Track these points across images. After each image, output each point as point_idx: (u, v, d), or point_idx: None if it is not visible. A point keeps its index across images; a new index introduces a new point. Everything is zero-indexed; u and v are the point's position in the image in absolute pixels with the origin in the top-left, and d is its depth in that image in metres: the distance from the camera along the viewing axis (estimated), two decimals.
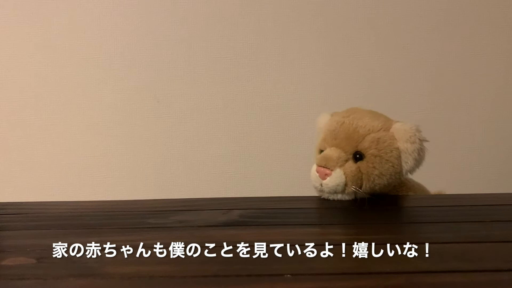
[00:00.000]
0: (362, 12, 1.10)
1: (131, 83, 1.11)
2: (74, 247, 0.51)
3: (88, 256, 0.49)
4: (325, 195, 0.66)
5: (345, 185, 0.63)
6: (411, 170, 0.66)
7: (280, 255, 0.48)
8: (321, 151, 0.67)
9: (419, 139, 0.64)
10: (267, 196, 0.73)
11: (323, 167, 0.64)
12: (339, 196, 0.65)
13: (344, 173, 0.63)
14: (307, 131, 1.12)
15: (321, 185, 0.64)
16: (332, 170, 0.63)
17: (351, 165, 0.64)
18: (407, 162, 0.64)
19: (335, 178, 0.63)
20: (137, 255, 0.49)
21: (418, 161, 0.65)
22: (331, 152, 0.65)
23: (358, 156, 0.64)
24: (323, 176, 0.64)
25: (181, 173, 1.14)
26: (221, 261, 0.47)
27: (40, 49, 1.10)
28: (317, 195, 0.68)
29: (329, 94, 1.12)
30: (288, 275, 0.44)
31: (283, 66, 1.11)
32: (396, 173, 0.65)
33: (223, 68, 1.11)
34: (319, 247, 0.50)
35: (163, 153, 1.13)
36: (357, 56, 1.11)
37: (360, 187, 0.64)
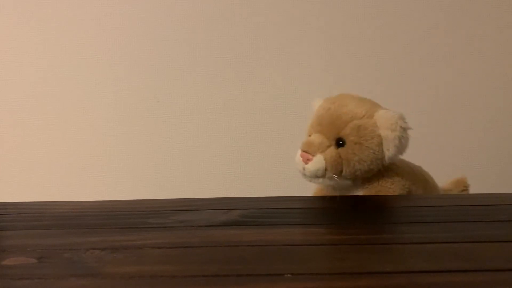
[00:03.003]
0: (362, 12, 1.10)
1: (131, 83, 1.11)
2: (75, 247, 0.51)
3: (88, 256, 0.49)
4: (307, 179, 0.69)
5: (325, 170, 0.66)
6: (393, 157, 0.67)
7: (280, 255, 0.48)
8: (310, 136, 0.70)
9: (401, 127, 0.66)
10: (267, 196, 0.73)
11: (306, 152, 0.67)
12: (320, 181, 0.68)
13: (324, 159, 0.66)
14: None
15: (304, 169, 0.67)
16: (313, 156, 0.66)
17: (332, 151, 0.66)
18: (388, 149, 0.66)
19: (315, 163, 0.66)
20: (138, 255, 0.49)
21: (400, 148, 0.66)
22: (314, 138, 0.68)
23: (340, 143, 0.67)
24: (305, 161, 0.67)
25: (181, 173, 1.14)
26: (221, 261, 0.47)
27: (40, 49, 1.10)
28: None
29: (329, 94, 1.12)
30: (288, 275, 0.44)
31: (283, 66, 1.11)
32: (378, 159, 0.66)
33: (223, 68, 1.11)
34: (319, 247, 0.50)
35: (163, 153, 1.13)
36: (357, 56, 1.11)
37: (341, 172, 0.66)
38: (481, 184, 1.13)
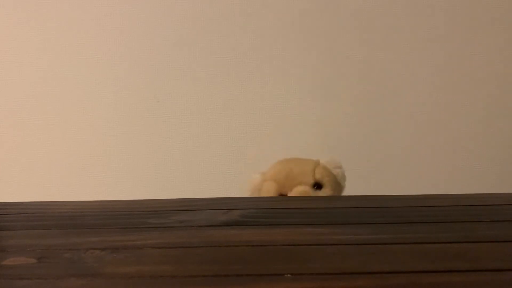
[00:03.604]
0: (362, 12, 1.10)
1: (131, 83, 1.11)
2: (75, 247, 0.51)
3: (88, 256, 0.49)
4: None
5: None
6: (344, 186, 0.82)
7: (280, 255, 0.48)
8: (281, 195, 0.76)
9: (339, 165, 0.81)
10: (267, 196, 0.73)
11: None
12: None
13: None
14: (307, 131, 1.12)
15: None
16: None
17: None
18: (342, 181, 0.80)
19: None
20: (138, 255, 0.49)
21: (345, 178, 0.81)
22: (304, 189, 0.75)
23: (316, 186, 0.76)
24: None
25: (181, 173, 1.14)
26: (221, 261, 0.47)
27: (40, 49, 1.10)
28: None
29: (329, 94, 1.12)
30: (288, 275, 0.44)
31: (283, 66, 1.11)
32: (340, 191, 0.80)
33: (223, 68, 1.11)
34: (319, 247, 0.50)
35: (163, 153, 1.13)
36: (357, 57, 1.11)
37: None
38: (481, 184, 1.14)
